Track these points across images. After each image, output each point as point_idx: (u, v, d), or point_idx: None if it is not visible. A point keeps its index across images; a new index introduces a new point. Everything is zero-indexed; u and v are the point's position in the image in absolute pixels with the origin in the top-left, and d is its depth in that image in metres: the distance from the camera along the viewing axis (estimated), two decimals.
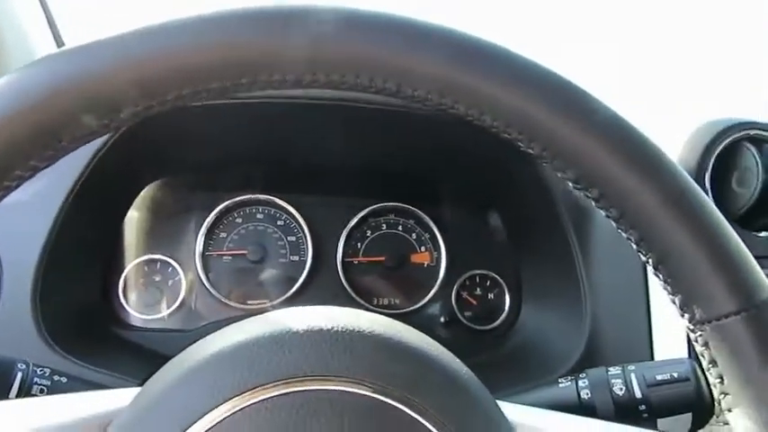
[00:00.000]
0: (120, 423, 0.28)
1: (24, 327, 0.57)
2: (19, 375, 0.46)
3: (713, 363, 0.30)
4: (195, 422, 0.26)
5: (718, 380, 0.30)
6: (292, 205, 0.77)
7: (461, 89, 0.27)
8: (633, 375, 0.43)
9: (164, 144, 0.69)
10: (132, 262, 0.74)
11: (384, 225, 0.80)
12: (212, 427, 0.26)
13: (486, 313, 0.77)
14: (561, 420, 0.33)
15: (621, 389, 0.43)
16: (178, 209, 0.77)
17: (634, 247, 0.31)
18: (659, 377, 0.42)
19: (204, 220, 0.76)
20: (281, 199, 0.77)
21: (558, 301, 0.69)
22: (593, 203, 0.31)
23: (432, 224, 0.79)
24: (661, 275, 0.30)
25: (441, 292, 0.78)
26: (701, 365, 0.43)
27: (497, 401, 0.31)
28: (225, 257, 0.77)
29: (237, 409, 0.26)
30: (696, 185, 0.30)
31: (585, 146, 0.29)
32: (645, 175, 0.28)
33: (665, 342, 0.59)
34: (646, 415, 0.42)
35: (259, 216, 0.78)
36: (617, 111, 0.30)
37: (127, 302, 0.73)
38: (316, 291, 0.76)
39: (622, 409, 0.43)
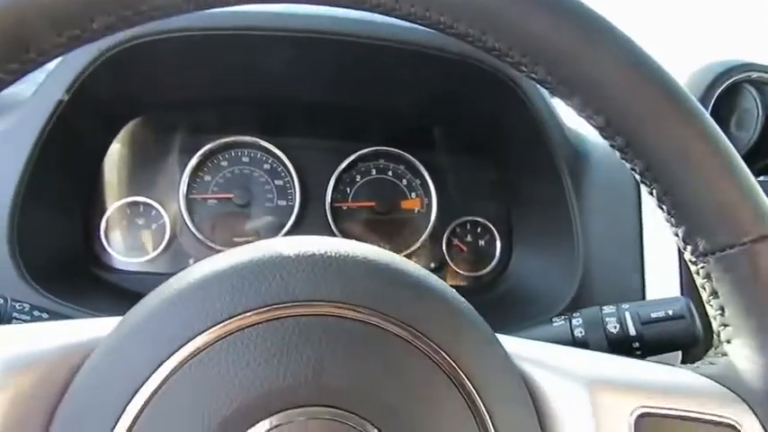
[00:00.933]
0: (103, 350, 0.26)
1: (1, 263, 0.55)
2: None
3: (714, 294, 0.30)
4: (182, 347, 0.25)
5: (719, 311, 0.30)
6: (279, 148, 0.75)
7: (462, 6, 0.26)
8: (627, 314, 0.43)
9: (139, 79, 0.66)
10: (114, 204, 0.72)
11: (374, 170, 0.78)
12: (200, 351, 0.25)
13: (476, 259, 0.77)
14: (558, 351, 0.32)
15: (615, 326, 0.43)
16: (161, 151, 0.74)
17: (638, 177, 0.29)
18: (654, 314, 0.42)
19: (188, 163, 0.73)
20: (267, 141, 0.75)
21: (550, 246, 0.68)
22: (599, 132, 0.30)
23: (423, 170, 0.77)
24: (665, 206, 0.29)
25: (431, 239, 0.77)
26: (695, 303, 0.43)
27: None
28: (210, 201, 0.75)
29: (226, 333, 0.25)
30: (706, 114, 0.28)
31: (593, 71, 0.27)
32: (655, 103, 0.27)
33: (657, 285, 0.58)
34: (639, 352, 0.42)
35: (245, 159, 0.76)
36: (630, 37, 0.28)
37: (109, 245, 0.71)
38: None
39: (616, 347, 0.43)
